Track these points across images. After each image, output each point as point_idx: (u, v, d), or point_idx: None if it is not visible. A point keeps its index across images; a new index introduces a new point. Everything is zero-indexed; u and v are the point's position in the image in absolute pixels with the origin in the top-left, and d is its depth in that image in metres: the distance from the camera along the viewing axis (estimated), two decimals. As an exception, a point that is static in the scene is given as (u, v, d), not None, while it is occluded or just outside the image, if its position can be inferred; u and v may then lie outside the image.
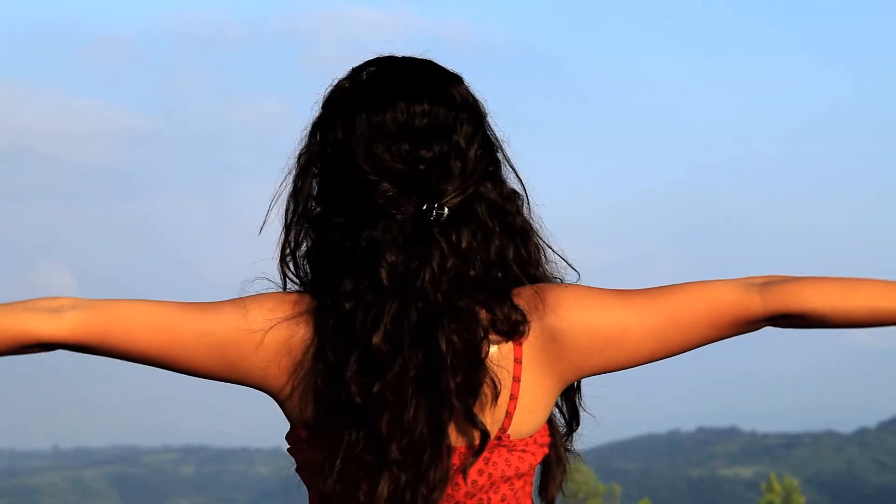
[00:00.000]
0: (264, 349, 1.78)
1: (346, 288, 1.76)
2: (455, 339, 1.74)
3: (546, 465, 1.87)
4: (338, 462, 1.73)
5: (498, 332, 1.77)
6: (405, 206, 1.77)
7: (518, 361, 1.78)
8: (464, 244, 1.78)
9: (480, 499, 1.79)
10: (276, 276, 1.85)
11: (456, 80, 1.85)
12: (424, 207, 1.77)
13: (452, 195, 1.78)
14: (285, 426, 1.85)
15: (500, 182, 1.84)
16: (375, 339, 1.73)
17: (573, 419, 1.90)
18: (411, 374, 1.73)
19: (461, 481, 1.77)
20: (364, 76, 1.85)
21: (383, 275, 1.75)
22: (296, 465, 1.84)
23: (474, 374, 1.74)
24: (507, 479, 1.80)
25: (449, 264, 1.76)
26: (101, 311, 1.77)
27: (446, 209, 1.77)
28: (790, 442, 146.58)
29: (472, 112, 1.83)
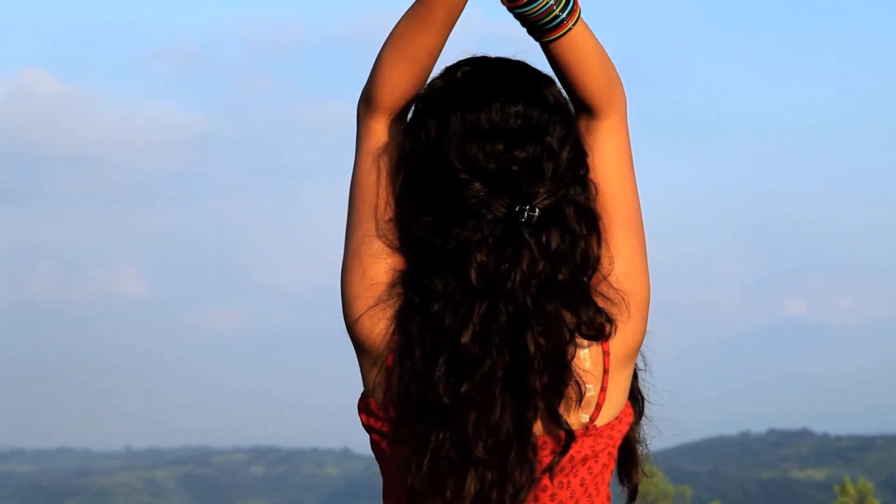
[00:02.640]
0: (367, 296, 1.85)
1: (435, 288, 1.78)
2: (542, 341, 1.76)
3: (628, 449, 1.91)
4: (425, 461, 1.75)
5: (584, 336, 1.80)
6: (496, 206, 1.79)
7: (607, 354, 1.82)
8: (553, 246, 1.79)
9: (560, 481, 1.82)
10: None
11: (549, 81, 1.87)
12: (517, 209, 1.78)
13: (543, 197, 1.79)
14: (354, 429, 1.86)
15: (588, 185, 1.85)
16: (464, 339, 1.75)
17: (638, 403, 1.93)
18: (499, 374, 1.75)
19: (545, 479, 1.81)
20: (458, 75, 1.87)
21: (473, 275, 1.76)
22: (370, 441, 1.87)
23: (560, 376, 1.77)
24: (585, 461, 1.83)
25: (539, 267, 1.77)
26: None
27: (537, 211, 1.78)
28: (863, 444, 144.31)
29: (565, 114, 1.86)
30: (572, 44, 1.83)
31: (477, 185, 1.79)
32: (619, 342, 1.83)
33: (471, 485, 1.74)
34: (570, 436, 1.78)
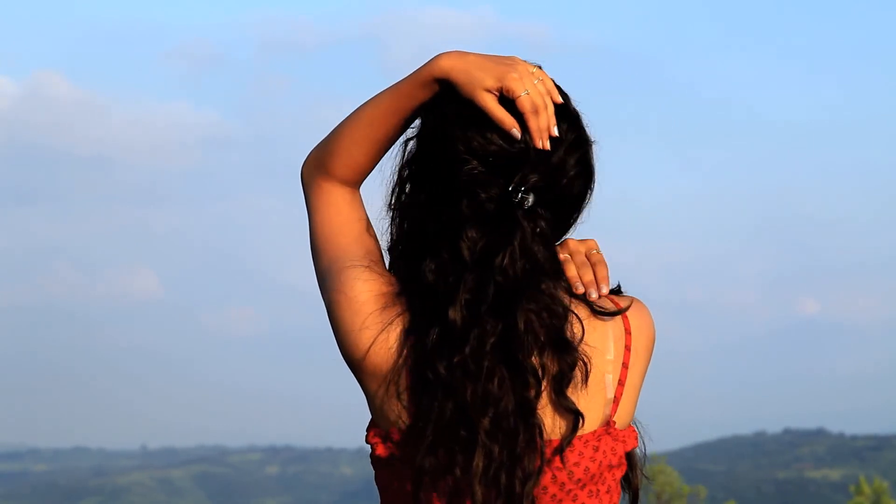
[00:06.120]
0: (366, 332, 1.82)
1: (429, 266, 1.79)
2: (533, 318, 1.75)
3: (630, 453, 1.88)
4: (429, 432, 1.73)
5: (598, 314, 1.81)
6: (490, 186, 1.79)
7: (628, 349, 1.82)
8: (545, 231, 1.81)
9: (591, 490, 1.79)
10: None
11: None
12: (511, 189, 1.79)
13: (539, 183, 1.80)
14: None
15: (579, 178, 1.85)
16: (451, 312, 1.75)
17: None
18: (488, 347, 1.74)
19: (577, 489, 1.77)
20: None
21: (464, 248, 1.78)
22: (379, 474, 1.83)
23: (561, 356, 1.75)
24: (611, 468, 1.81)
25: (532, 248, 1.79)
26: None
27: (532, 196, 1.80)
28: (879, 444, 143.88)
29: (567, 114, 1.85)
30: None
31: (474, 163, 1.79)
32: (636, 335, 1.83)
33: (478, 461, 1.71)
34: (577, 416, 1.75)
